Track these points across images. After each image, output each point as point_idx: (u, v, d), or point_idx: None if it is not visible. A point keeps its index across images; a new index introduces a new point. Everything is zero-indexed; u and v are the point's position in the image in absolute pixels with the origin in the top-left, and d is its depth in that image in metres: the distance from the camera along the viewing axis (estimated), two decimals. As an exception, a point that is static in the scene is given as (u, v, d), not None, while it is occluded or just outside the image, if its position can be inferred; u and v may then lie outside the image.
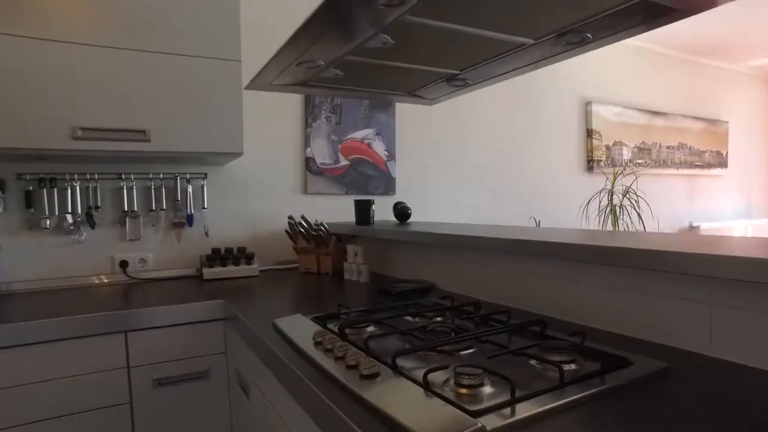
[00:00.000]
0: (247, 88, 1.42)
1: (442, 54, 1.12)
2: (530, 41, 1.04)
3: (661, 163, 4.13)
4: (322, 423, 0.84)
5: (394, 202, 2.26)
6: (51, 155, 1.74)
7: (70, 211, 2.00)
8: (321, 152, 2.49)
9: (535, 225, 3.31)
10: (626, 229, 3.53)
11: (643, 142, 3.99)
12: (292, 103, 2.43)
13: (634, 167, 3.88)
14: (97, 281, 2.07)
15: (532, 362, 0.90)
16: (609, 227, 3.49)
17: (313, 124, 2.46)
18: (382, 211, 2.62)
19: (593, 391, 0.77)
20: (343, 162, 2.54)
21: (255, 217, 2.36)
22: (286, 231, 2.23)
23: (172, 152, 1.84)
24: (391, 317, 1.21)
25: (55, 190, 1.98)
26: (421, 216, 2.83)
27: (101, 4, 1.72)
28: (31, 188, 1.95)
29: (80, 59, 1.69)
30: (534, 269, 1.35)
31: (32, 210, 1.96)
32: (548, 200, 3.43)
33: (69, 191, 1.99)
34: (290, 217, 2.20)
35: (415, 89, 1.45)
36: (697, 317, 0.99)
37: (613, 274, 1.14)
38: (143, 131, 1.77)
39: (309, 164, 2.47)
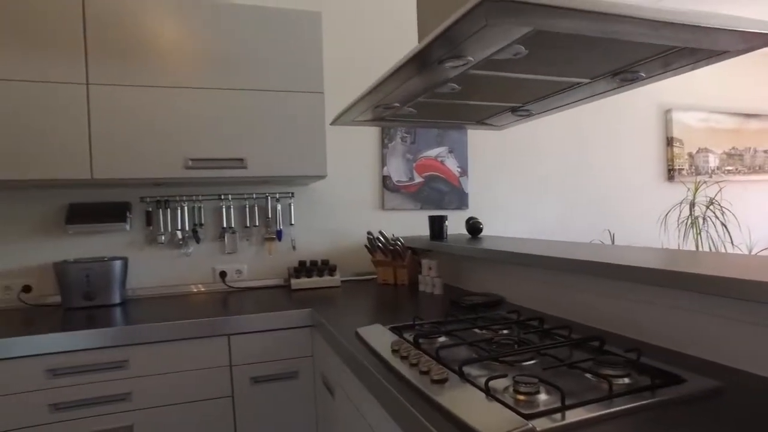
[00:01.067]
0: (331, 124, 1.62)
1: (505, 93, 1.24)
2: (586, 80, 1.14)
3: (757, 168, 3.90)
4: (399, 420, 0.98)
5: (466, 217, 2.38)
6: (167, 182, 2.05)
7: (180, 228, 2.31)
8: (397, 170, 2.66)
9: (609, 237, 3.28)
10: (710, 242, 3.38)
11: (733, 148, 3.79)
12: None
13: (723, 174, 3.70)
14: (201, 289, 2.36)
15: (587, 375, 1.00)
16: (690, 240, 3.37)
17: (389, 144, 2.64)
18: (457, 224, 2.74)
19: (642, 403, 0.85)
20: (418, 179, 2.69)
21: (337, 231, 2.58)
22: (366, 245, 2.42)
23: (264, 177, 2.08)
24: (461, 329, 1.33)
25: (168, 210, 2.30)
26: (493, 229, 2.92)
27: (204, 53, 2.00)
28: (150, 209, 2.28)
29: (190, 101, 1.98)
30: (597, 287, 1.42)
31: (151, 227, 2.29)
32: (624, 212, 3.38)
33: (179, 211, 2.31)
34: (369, 233, 2.38)
35: (483, 119, 1.58)
36: (763, 340, 1.00)
37: (679, 295, 1.18)
38: (241, 159, 2.03)
39: (386, 182, 2.64)
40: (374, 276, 2.55)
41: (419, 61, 0.93)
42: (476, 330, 1.38)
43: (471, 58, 0.93)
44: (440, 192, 2.74)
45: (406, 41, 2.67)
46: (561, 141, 3.16)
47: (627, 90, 1.18)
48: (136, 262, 2.28)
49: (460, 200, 2.79)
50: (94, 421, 1.64)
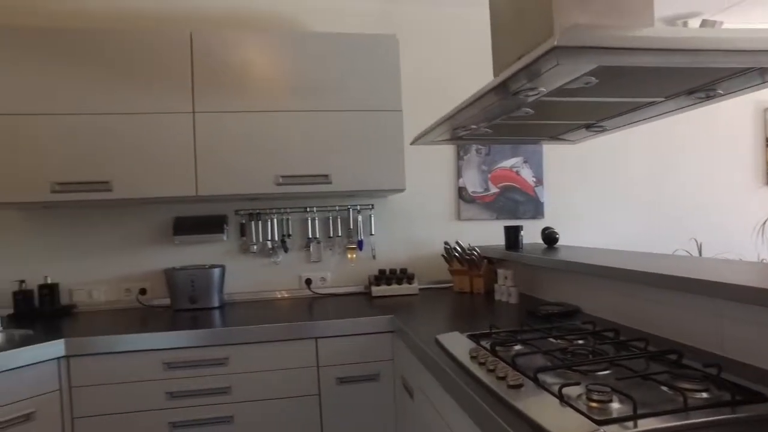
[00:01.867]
0: (412, 144, 1.73)
1: (578, 113, 1.29)
2: (660, 99, 1.16)
3: None
4: (477, 420, 1.06)
5: (542, 226, 2.40)
6: (260, 197, 2.26)
7: (270, 238, 2.52)
8: (472, 181, 2.72)
9: (696, 247, 3.13)
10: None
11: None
12: (444, 138, 2.72)
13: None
14: (288, 295, 2.56)
15: (663, 388, 1.02)
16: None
17: (464, 156, 2.72)
18: (532, 234, 2.76)
19: (719, 418, 0.86)
20: (493, 190, 2.74)
21: (415, 241, 2.68)
22: (442, 255, 2.50)
23: (347, 191, 2.24)
24: (536, 338, 1.38)
25: (260, 222, 2.52)
26: (570, 239, 2.90)
27: (292, 79, 2.18)
28: (244, 221, 2.51)
29: (280, 123, 2.17)
30: (677, 301, 1.41)
31: (244, 238, 2.51)
32: (714, 220, 3.21)
33: (269, 223, 2.52)
34: (446, 243, 2.47)
35: (557, 135, 1.62)
36: None
37: (765, 312, 1.15)
38: (326, 175, 2.20)
39: (462, 193, 2.72)
40: (451, 284, 2.62)
41: (494, 93, 1.01)
42: (551, 339, 1.42)
43: (543, 89, 1.00)
44: (515, 202, 2.77)
45: (480, 58, 2.73)
46: (644, 145, 3.06)
47: (706, 105, 1.19)
48: (231, 269, 2.52)
49: (536, 210, 2.81)
50: (201, 410, 1.85)
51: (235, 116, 2.15)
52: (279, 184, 2.17)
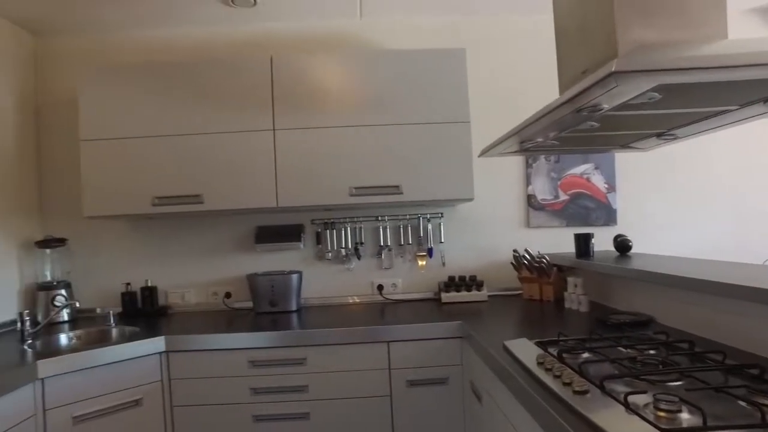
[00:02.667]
0: (479, 156, 1.79)
1: (647, 124, 1.29)
2: (734, 107, 1.15)
3: None
4: (543, 424, 1.10)
5: (615, 233, 2.36)
6: (334, 207, 2.40)
7: (343, 246, 2.66)
8: (542, 189, 2.72)
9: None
10: None
11: None
12: (512, 146, 2.74)
13: None
14: (359, 300, 2.68)
15: (739, 402, 0.98)
16: None
17: (533, 164, 2.72)
18: (605, 241, 2.70)
19: None
20: (563, 197, 2.72)
21: (484, 248, 2.72)
22: (511, 262, 2.52)
23: (417, 201, 2.32)
24: (605, 347, 1.39)
25: (334, 230, 2.66)
26: (645, 246, 2.80)
27: (364, 95, 2.30)
28: (319, 230, 2.66)
29: (352, 138, 2.30)
30: (762, 314, 1.37)
31: (320, 246, 2.66)
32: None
33: (343, 231, 2.65)
34: (515, 251, 2.48)
35: (627, 144, 1.61)
36: None
37: None
38: (397, 186, 2.29)
39: (531, 201, 2.72)
40: (520, 292, 2.63)
41: (556, 112, 1.06)
42: (621, 348, 1.41)
43: (606, 106, 1.03)
44: (586, 209, 2.73)
45: (550, 66, 2.73)
46: (730, 144, 2.89)
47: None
48: (308, 274, 2.67)
49: (608, 216, 2.75)
50: (281, 406, 2.00)
51: (311, 132, 2.30)
52: (352, 195, 2.30)
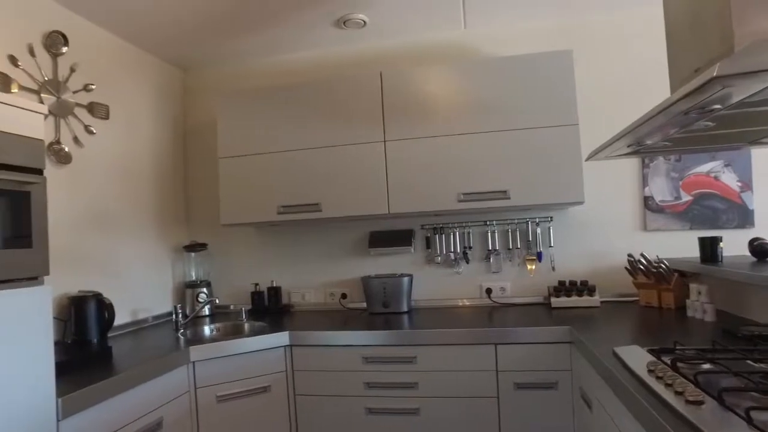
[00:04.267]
0: (586, 160, 1.76)
1: (769, 119, 1.20)
2: None
3: None
4: (651, 432, 1.08)
5: (750, 237, 2.15)
6: (443, 213, 2.48)
7: (452, 250, 2.73)
8: (660, 190, 2.56)
9: None
10: None
11: None
12: (628, 146, 2.61)
13: None
14: (468, 303, 2.72)
15: None
16: None
17: (650, 164, 2.57)
18: (738, 245, 2.47)
19: None
20: (686, 198, 2.54)
21: (596, 253, 2.63)
22: (626, 267, 2.41)
23: (525, 206, 2.32)
24: (729, 359, 1.29)
25: (443, 235, 2.74)
26: (790, 251, 2.51)
27: (470, 103, 2.36)
28: (428, 235, 2.76)
29: (460, 145, 2.37)
30: None
31: (429, 250, 2.76)
32: None
33: (452, 236, 2.72)
34: (630, 255, 2.37)
35: (755, 140, 1.49)
36: None
37: None
38: (504, 191, 2.32)
39: (648, 202, 2.58)
40: (636, 298, 2.50)
41: (663, 116, 1.04)
42: (750, 362, 1.31)
43: (719, 106, 0.99)
44: (715, 210, 2.52)
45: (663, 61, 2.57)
46: None
47: None
48: (418, 277, 2.78)
49: (743, 218, 2.51)
50: (392, 401, 2.12)
51: (420, 141, 2.41)
52: (460, 201, 2.36)
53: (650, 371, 1.26)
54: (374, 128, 2.45)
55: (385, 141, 2.44)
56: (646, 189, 2.58)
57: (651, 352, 1.45)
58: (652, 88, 2.56)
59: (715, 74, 0.78)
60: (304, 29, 2.63)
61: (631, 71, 2.61)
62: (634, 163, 2.61)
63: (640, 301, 2.39)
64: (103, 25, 2.44)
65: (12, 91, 1.96)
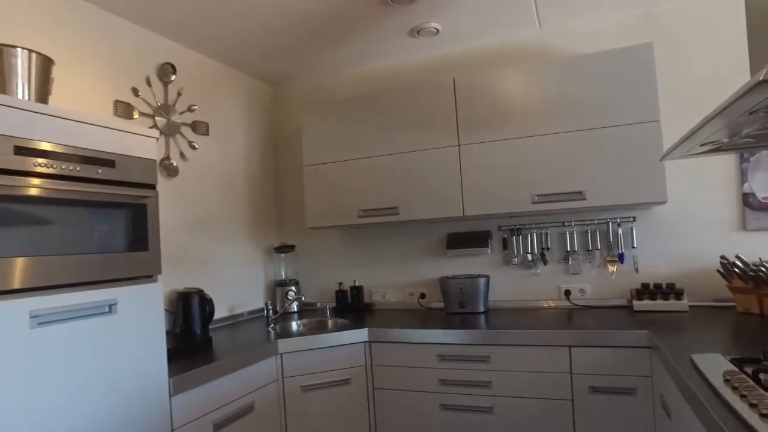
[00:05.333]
0: (660, 160, 1.70)
1: None
2: None
3: None
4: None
5: None
6: (519, 214, 2.49)
7: (529, 251, 2.72)
8: (764, 186, 2.37)
9: None
10: None
11: None
12: (722, 141, 2.44)
13: None
14: (546, 305, 2.70)
15: None
16: None
17: (750, 158, 2.39)
18: None
19: None
20: (791, 195, 2.33)
21: (684, 254, 2.48)
22: (718, 270, 2.27)
23: (602, 206, 2.27)
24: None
25: (520, 236, 2.73)
26: None
27: (545, 104, 2.34)
28: (505, 236, 2.77)
29: (534, 146, 2.36)
30: None
31: (506, 251, 2.77)
32: None
33: (529, 237, 2.71)
34: (723, 257, 2.23)
35: None
36: None
37: None
38: (580, 192, 2.28)
39: (748, 200, 2.40)
40: (733, 304, 2.34)
41: (728, 113, 1.00)
42: None
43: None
44: (827, 209, 2.29)
45: (738, 58, 2.37)
46: None
47: None
48: (495, 279, 2.80)
49: None
50: (465, 398, 2.18)
51: (494, 144, 2.44)
52: (534, 203, 2.36)
53: (726, 381, 1.22)
54: (448, 133, 2.52)
55: (459, 145, 2.50)
56: (745, 185, 2.40)
57: (733, 361, 1.39)
58: (742, 78, 2.38)
59: (761, 78, 0.77)
60: (380, 41, 2.75)
61: (717, 62, 2.44)
62: (729, 158, 2.44)
63: (737, 308, 2.24)
64: (203, 51, 2.73)
65: (134, 117, 2.29)
